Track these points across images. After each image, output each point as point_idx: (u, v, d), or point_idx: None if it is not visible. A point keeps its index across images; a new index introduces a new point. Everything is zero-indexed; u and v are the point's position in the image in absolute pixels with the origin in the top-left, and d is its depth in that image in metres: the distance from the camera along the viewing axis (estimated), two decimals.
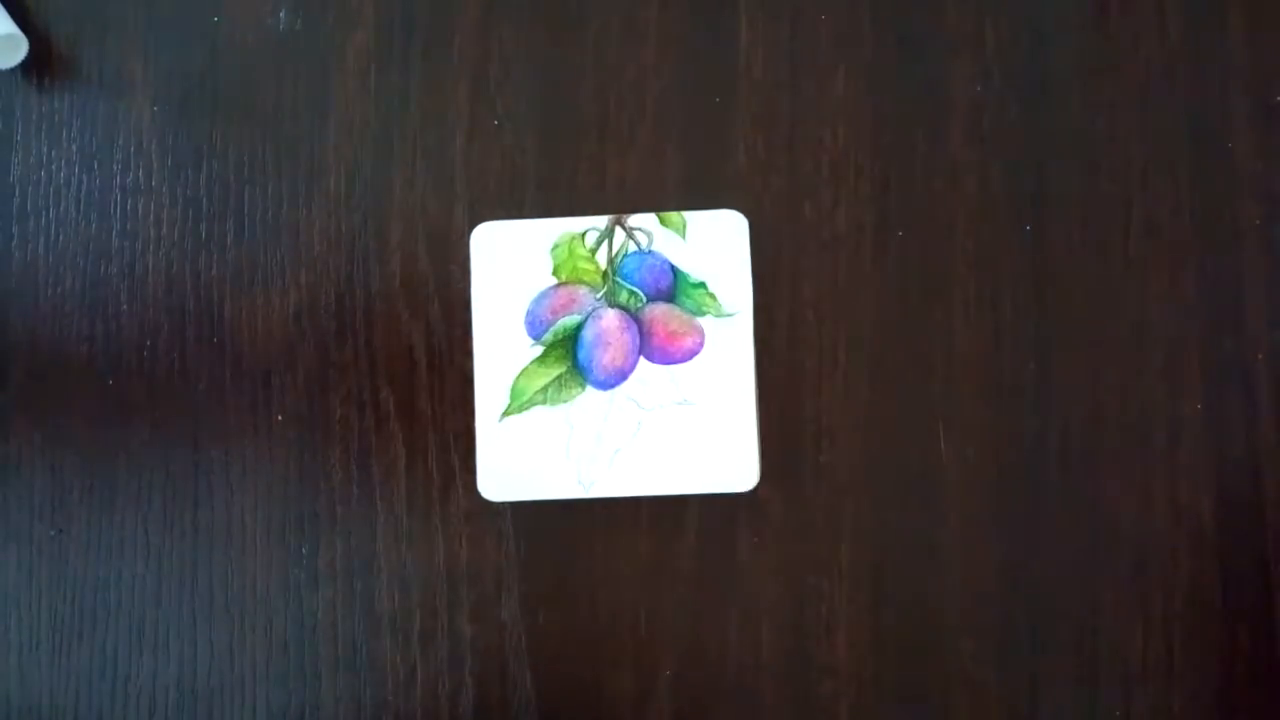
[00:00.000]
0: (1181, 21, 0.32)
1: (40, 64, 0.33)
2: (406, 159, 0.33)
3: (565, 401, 0.31)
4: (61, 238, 0.33)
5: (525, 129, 0.33)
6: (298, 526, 0.32)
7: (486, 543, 0.32)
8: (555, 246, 0.32)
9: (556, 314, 0.32)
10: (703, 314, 0.32)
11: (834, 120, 0.33)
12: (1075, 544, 0.31)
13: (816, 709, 0.31)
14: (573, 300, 0.32)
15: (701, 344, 0.31)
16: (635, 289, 0.32)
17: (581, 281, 0.32)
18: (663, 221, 0.32)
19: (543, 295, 0.32)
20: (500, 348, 0.32)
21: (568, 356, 0.32)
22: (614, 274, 0.32)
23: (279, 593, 0.32)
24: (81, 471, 0.32)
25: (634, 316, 0.32)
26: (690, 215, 0.32)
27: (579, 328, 0.32)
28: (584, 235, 0.32)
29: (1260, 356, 0.31)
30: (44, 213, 0.33)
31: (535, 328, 0.32)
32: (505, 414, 0.31)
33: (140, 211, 0.33)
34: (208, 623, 0.32)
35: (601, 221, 0.32)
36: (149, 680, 0.32)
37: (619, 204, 0.32)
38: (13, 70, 0.33)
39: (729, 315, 0.32)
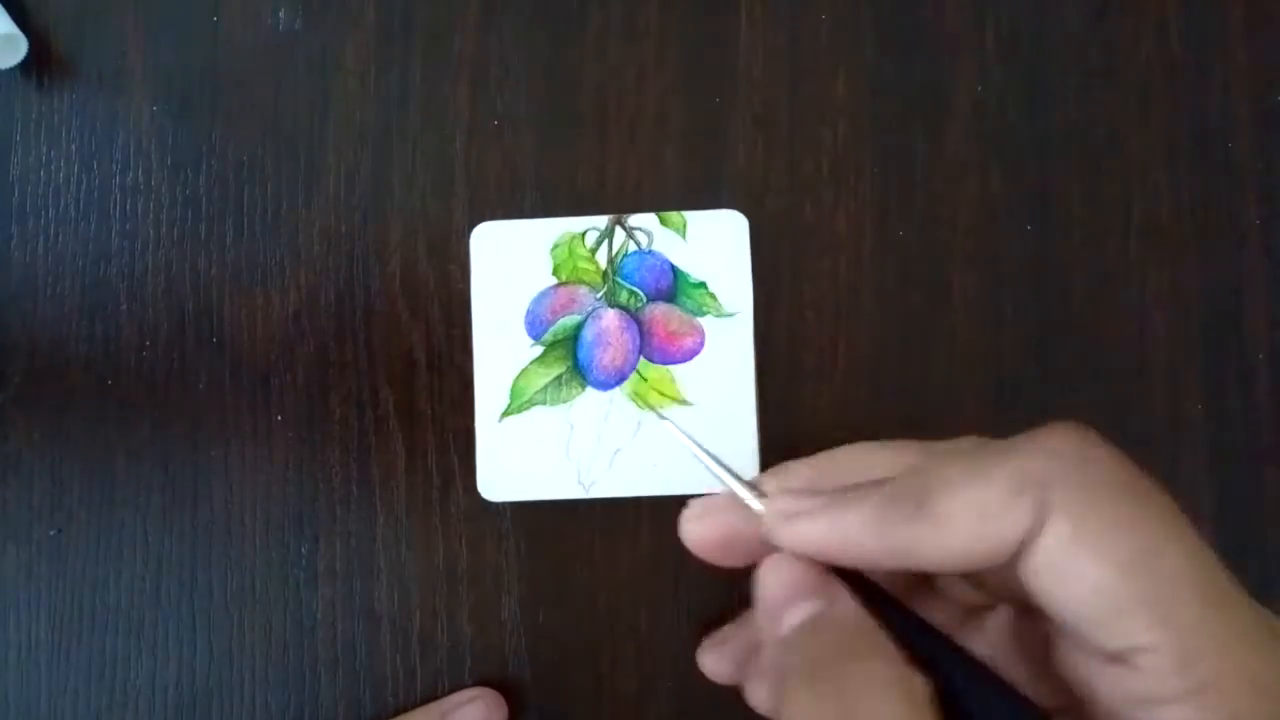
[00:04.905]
0: (1181, 21, 0.32)
1: (40, 64, 0.33)
2: (406, 159, 0.33)
3: (565, 401, 0.31)
4: (61, 238, 0.33)
5: (525, 129, 0.33)
6: (297, 526, 0.32)
7: (486, 543, 0.32)
8: (555, 246, 0.32)
9: (556, 314, 0.32)
10: (703, 314, 0.32)
11: (834, 120, 0.33)
12: None
13: None
14: (573, 300, 0.32)
15: (701, 344, 0.31)
16: (635, 289, 0.32)
17: (581, 281, 0.32)
18: (663, 221, 0.32)
19: (543, 295, 0.32)
20: (500, 348, 0.32)
21: (568, 356, 0.32)
22: (614, 274, 0.32)
23: (278, 593, 0.32)
24: (81, 471, 0.32)
25: (634, 316, 0.32)
26: (690, 215, 0.32)
27: (579, 328, 0.32)
28: (584, 235, 0.32)
29: (1260, 356, 0.31)
30: (43, 213, 0.33)
31: (535, 328, 0.32)
32: (505, 414, 0.31)
33: (140, 211, 0.33)
34: (207, 623, 0.32)
35: (601, 221, 0.32)
36: (148, 680, 0.32)
37: (619, 204, 0.32)
38: (12, 70, 0.33)
39: (729, 315, 0.32)
